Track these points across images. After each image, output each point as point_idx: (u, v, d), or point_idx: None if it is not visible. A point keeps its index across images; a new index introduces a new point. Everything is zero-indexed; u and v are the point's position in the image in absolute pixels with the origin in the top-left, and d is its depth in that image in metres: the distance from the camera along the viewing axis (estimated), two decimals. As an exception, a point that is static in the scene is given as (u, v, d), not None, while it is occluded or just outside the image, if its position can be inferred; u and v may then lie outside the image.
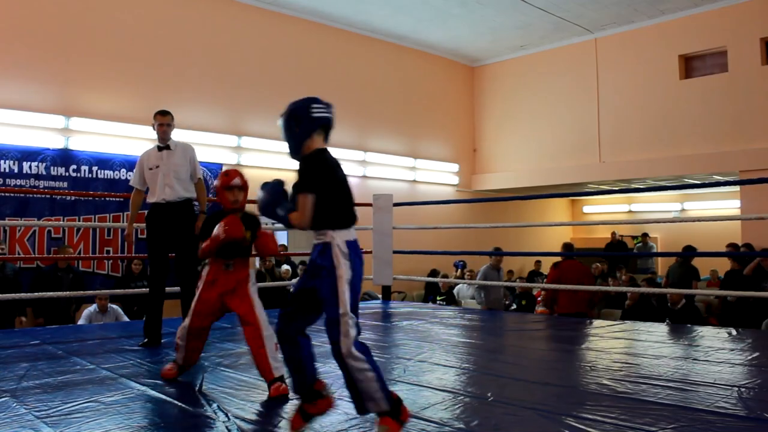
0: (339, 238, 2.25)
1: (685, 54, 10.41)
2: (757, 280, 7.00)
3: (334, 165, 2.34)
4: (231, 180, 3.17)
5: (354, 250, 2.29)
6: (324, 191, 2.26)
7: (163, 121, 4.44)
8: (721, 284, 7.54)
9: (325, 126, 2.41)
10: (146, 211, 4.40)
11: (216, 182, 3.22)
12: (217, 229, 3.00)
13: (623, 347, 4.25)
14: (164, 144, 4.42)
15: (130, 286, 7.21)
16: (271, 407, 2.68)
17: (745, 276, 7.19)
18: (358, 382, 2.19)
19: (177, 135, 8.86)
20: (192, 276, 4.08)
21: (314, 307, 2.32)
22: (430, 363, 3.59)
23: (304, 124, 2.37)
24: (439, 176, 12.28)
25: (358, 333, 2.25)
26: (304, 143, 2.36)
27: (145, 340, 4.20)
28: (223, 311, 3.17)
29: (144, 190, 4.42)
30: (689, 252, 8.29)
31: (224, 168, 9.12)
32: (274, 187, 2.36)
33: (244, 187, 3.23)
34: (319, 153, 2.34)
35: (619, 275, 9.48)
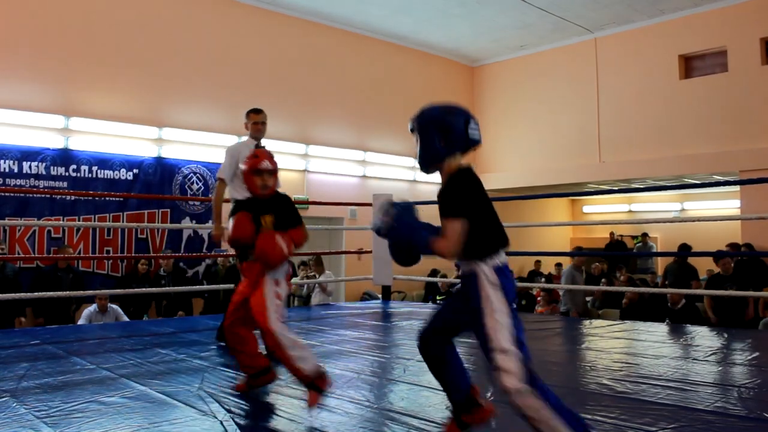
0: (487, 267, 1.98)
1: (685, 54, 10.41)
2: (720, 283, 7.02)
3: (481, 185, 2.08)
4: (260, 163, 2.86)
5: (504, 275, 1.99)
6: (473, 216, 1.99)
7: (258, 119, 4.35)
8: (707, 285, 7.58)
9: (474, 147, 2.10)
10: (232, 205, 4.14)
11: (242, 165, 2.93)
12: (228, 227, 2.85)
13: (623, 347, 4.25)
14: (261, 144, 4.32)
15: (132, 286, 7.17)
16: (272, 407, 2.68)
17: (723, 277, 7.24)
18: (533, 422, 1.83)
19: (177, 134, 8.91)
20: None
21: (459, 329, 2.14)
22: (430, 363, 3.58)
23: (455, 142, 2.05)
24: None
25: (526, 367, 1.88)
26: (447, 160, 2.08)
27: (222, 343, 4.11)
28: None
29: (229, 183, 4.26)
30: (686, 251, 8.31)
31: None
32: (407, 210, 2.05)
33: (274, 170, 2.92)
34: (467, 172, 2.07)
35: (618, 275, 9.48)
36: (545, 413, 1.80)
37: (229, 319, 2.92)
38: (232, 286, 4.34)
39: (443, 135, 2.04)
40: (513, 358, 1.85)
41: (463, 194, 2.01)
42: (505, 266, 2.01)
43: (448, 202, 2.00)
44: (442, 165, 2.09)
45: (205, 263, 8.64)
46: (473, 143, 2.08)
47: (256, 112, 4.38)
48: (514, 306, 1.97)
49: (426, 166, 2.13)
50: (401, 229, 2.01)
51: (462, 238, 1.96)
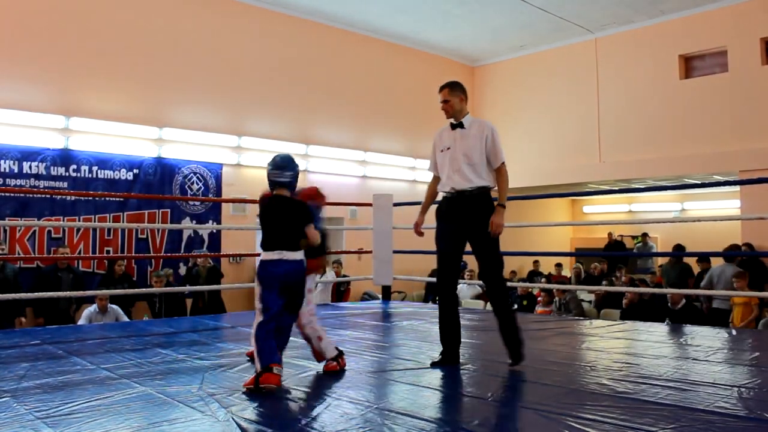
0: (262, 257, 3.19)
1: (685, 54, 10.41)
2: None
3: (263, 210, 3.23)
4: (324, 201, 3.71)
5: (263, 265, 3.13)
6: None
7: (441, 98, 3.69)
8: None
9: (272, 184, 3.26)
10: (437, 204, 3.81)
11: (316, 195, 3.61)
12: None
13: (623, 347, 4.25)
14: (457, 121, 3.69)
15: (110, 288, 7.12)
16: (272, 406, 2.67)
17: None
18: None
19: (177, 134, 8.92)
20: (499, 283, 3.57)
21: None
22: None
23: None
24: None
25: (268, 314, 3.08)
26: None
27: (440, 357, 3.57)
28: None
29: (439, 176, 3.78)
30: (682, 251, 8.34)
31: (224, 168, 9.15)
32: None
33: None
34: (263, 199, 3.28)
35: (619, 275, 9.48)
36: (255, 335, 3.07)
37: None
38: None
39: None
40: (259, 307, 3.10)
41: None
42: (268, 261, 3.12)
43: None
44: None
45: (187, 265, 8.54)
46: (270, 183, 3.24)
47: (440, 89, 3.71)
48: (270, 282, 3.09)
49: None
50: None
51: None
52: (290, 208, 3.23)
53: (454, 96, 3.66)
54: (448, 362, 3.51)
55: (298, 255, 3.18)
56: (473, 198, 3.56)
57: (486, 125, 3.66)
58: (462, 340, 3.61)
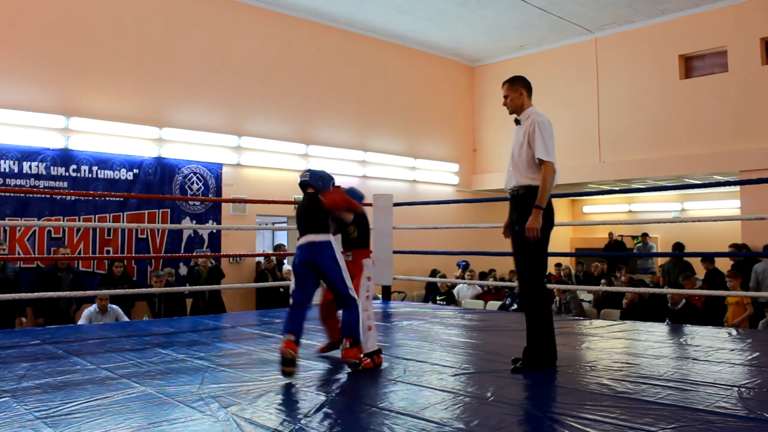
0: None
1: (685, 54, 10.41)
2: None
3: (300, 201, 3.61)
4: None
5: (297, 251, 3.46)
6: None
7: (503, 93, 3.57)
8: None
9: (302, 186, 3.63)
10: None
11: (356, 195, 3.79)
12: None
13: (623, 347, 4.25)
14: (518, 117, 3.61)
15: (109, 288, 7.11)
16: (271, 406, 2.67)
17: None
18: None
19: (177, 134, 8.91)
20: (530, 290, 3.46)
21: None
22: (430, 363, 3.59)
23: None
24: (439, 176, 12.28)
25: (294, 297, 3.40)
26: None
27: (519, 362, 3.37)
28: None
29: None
30: (682, 250, 8.33)
31: (224, 168, 9.15)
32: None
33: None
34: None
35: (619, 275, 9.47)
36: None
37: (327, 298, 3.76)
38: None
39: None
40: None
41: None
42: (298, 246, 3.44)
43: None
44: None
45: (188, 265, 8.53)
46: (300, 185, 3.62)
47: (502, 85, 3.61)
48: (299, 269, 3.39)
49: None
50: None
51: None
52: (312, 197, 3.55)
53: (512, 91, 3.55)
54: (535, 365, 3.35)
55: (325, 237, 3.40)
56: (517, 198, 3.55)
57: (533, 118, 3.51)
58: (462, 340, 3.61)
